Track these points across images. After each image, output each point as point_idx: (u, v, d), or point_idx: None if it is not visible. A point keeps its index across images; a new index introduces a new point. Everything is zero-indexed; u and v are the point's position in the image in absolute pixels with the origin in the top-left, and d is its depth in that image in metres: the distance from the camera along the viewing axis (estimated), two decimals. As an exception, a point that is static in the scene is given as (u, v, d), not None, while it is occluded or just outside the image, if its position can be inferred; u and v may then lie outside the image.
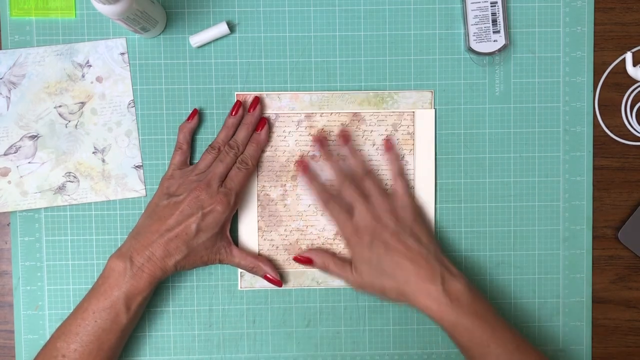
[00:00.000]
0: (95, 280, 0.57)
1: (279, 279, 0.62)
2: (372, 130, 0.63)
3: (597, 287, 0.65)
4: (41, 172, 0.62)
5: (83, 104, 0.61)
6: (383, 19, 0.63)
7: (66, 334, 0.55)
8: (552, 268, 0.64)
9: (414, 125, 0.63)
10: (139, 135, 0.62)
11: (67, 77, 0.61)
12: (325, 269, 0.61)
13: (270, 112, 0.63)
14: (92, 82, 0.61)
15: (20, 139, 0.61)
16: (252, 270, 0.61)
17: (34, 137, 0.61)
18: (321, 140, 0.63)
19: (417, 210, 0.62)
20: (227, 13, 0.63)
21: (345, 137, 0.63)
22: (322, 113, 0.63)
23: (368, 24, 0.63)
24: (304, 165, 0.63)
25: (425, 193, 0.63)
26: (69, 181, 0.62)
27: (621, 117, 0.65)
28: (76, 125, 0.61)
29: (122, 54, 0.61)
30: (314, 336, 0.64)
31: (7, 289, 0.64)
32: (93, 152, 0.62)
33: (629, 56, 0.64)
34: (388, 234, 0.58)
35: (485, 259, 0.64)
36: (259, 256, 0.62)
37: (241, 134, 0.61)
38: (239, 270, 0.63)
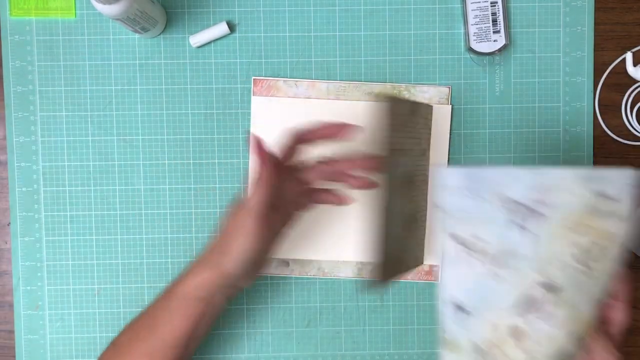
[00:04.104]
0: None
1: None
2: None
3: (597, 287, 0.65)
4: None
5: None
6: (383, 19, 0.63)
7: None
8: (552, 268, 0.64)
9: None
10: None
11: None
12: None
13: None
14: None
15: None
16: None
17: None
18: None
19: None
20: (227, 13, 0.63)
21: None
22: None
23: (368, 24, 0.63)
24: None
25: None
26: None
27: (621, 117, 0.65)
28: None
29: None
30: (314, 336, 0.64)
31: (7, 289, 0.64)
32: None
33: (629, 56, 0.64)
34: None
35: (485, 259, 0.64)
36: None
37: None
38: None
